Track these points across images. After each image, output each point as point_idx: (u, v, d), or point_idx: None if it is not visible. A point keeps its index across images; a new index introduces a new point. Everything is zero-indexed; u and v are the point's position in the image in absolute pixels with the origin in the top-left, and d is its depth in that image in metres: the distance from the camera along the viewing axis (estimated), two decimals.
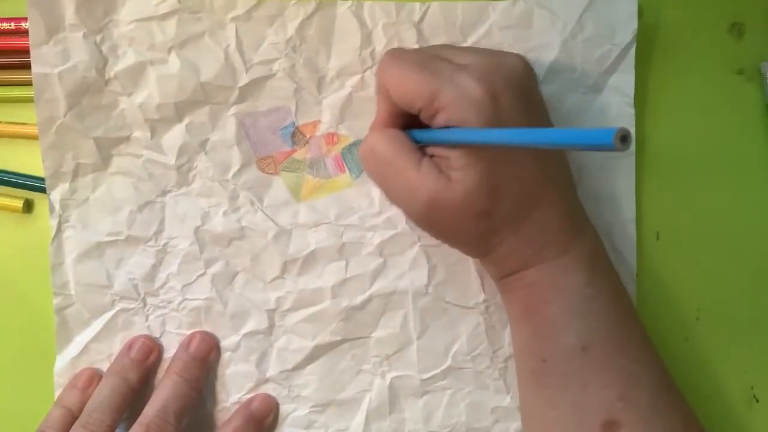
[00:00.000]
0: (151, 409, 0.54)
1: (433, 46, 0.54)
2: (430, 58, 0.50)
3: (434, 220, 0.50)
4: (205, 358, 0.57)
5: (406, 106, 0.50)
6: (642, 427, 0.49)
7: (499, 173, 0.48)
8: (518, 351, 0.53)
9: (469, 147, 0.47)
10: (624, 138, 0.35)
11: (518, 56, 0.51)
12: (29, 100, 0.57)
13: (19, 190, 0.60)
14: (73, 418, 0.55)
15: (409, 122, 0.52)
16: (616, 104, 0.57)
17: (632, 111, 0.57)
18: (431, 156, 0.50)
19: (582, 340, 0.49)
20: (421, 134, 0.51)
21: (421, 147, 0.51)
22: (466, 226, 0.50)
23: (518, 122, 0.48)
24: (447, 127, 0.48)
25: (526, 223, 0.49)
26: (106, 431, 0.54)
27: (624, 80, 0.57)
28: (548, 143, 0.41)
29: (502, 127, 0.47)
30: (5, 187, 0.60)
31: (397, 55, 0.51)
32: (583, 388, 0.49)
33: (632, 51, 0.57)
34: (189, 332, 0.58)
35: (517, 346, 0.53)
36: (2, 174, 0.60)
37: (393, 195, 0.52)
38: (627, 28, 0.56)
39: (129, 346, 0.57)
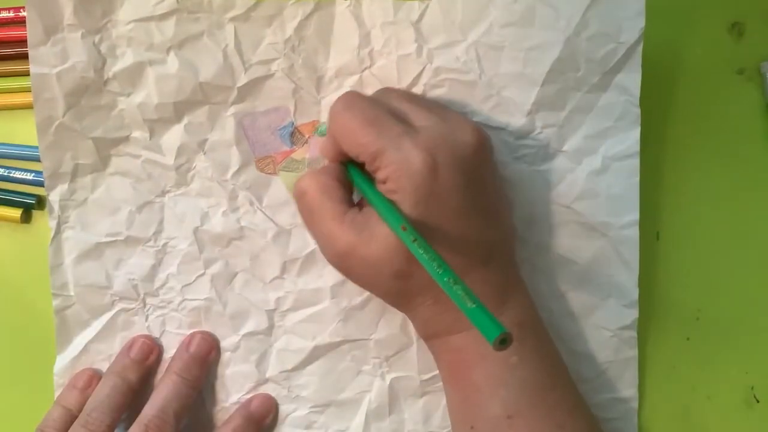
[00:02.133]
0: (150, 409, 0.54)
1: (393, 93, 0.53)
2: (381, 113, 0.49)
3: (349, 269, 0.51)
4: (205, 358, 0.57)
5: (352, 155, 0.50)
6: None
7: (425, 236, 0.47)
8: (450, 412, 0.54)
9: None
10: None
11: (474, 130, 0.50)
12: (27, 89, 0.57)
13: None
14: (72, 417, 0.55)
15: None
16: (621, 103, 0.56)
17: (637, 110, 0.56)
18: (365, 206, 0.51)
19: (507, 408, 0.50)
20: (360, 182, 0.51)
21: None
22: (382, 283, 0.50)
23: (454, 200, 0.48)
24: (385, 183, 0.48)
25: None
26: (105, 431, 0.54)
27: (630, 79, 0.56)
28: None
29: (433, 201, 0.47)
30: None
31: (350, 102, 0.50)
32: None
33: (639, 50, 0.55)
34: (189, 332, 0.58)
35: (449, 407, 0.54)
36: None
37: (314, 237, 0.53)
38: (634, 27, 0.55)
39: (129, 346, 0.57)
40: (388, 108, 0.50)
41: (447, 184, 0.47)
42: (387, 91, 0.54)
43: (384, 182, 0.48)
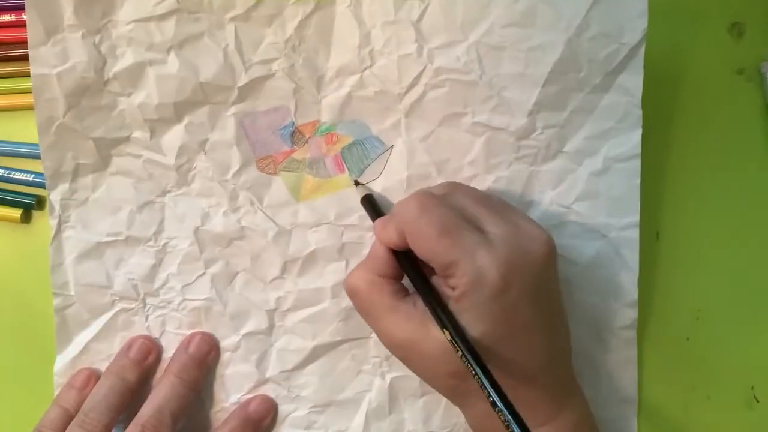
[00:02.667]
0: (147, 409, 0.54)
1: (461, 193, 0.52)
2: (457, 221, 0.48)
3: (407, 361, 0.51)
4: (204, 359, 0.57)
5: (422, 258, 0.49)
6: None
7: (485, 348, 0.47)
8: None
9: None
10: None
11: (545, 239, 0.49)
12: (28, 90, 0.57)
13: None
14: (70, 417, 0.55)
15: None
16: (623, 105, 0.56)
17: (639, 112, 0.56)
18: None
19: None
20: (415, 278, 0.50)
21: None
22: (437, 379, 0.50)
23: (522, 315, 0.48)
24: (454, 290, 0.47)
25: None
26: (102, 431, 0.54)
27: (632, 81, 0.56)
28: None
29: (506, 313, 0.47)
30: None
31: (426, 206, 0.49)
32: None
33: (641, 51, 0.55)
34: (189, 332, 0.58)
35: None
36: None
37: (374, 330, 0.53)
38: (636, 27, 0.55)
39: (128, 346, 0.57)
40: (461, 213, 0.49)
41: (517, 299, 0.47)
42: (455, 189, 0.53)
43: (453, 288, 0.48)
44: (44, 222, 0.59)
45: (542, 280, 0.49)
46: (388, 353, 0.57)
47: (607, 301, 0.57)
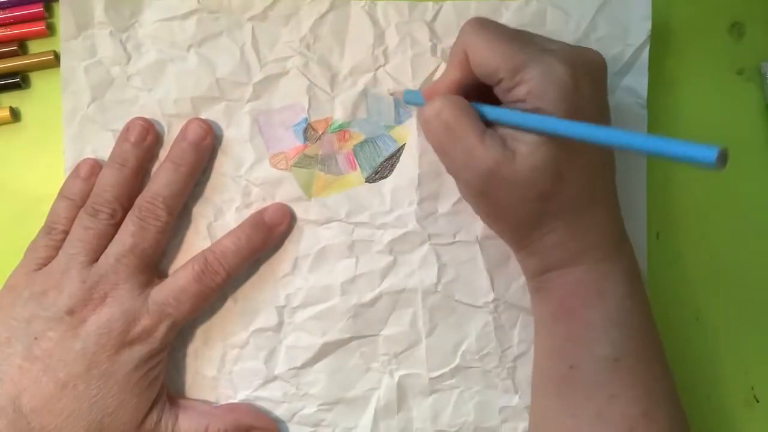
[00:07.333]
0: (141, 197, 0.54)
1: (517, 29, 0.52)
2: (517, 33, 0.49)
3: (491, 193, 0.49)
4: (200, 144, 0.56)
5: (487, 75, 0.49)
6: None
7: (568, 160, 0.47)
8: (543, 354, 0.53)
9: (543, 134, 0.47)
10: (724, 156, 0.37)
11: (598, 52, 0.50)
12: None
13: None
14: (77, 209, 0.54)
15: (474, 97, 0.50)
16: (628, 105, 0.57)
17: (645, 112, 0.57)
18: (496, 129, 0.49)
19: (616, 350, 0.49)
20: (490, 111, 0.49)
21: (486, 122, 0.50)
22: (522, 205, 0.49)
23: (592, 112, 0.48)
24: (525, 101, 0.47)
25: (581, 217, 0.49)
26: (110, 215, 0.54)
27: (637, 81, 0.57)
28: (643, 149, 0.42)
29: (577, 113, 0.47)
30: None
31: (485, 23, 0.50)
32: (609, 400, 0.49)
33: (646, 52, 0.57)
34: (198, 331, 0.58)
35: (543, 349, 0.53)
36: None
37: (451, 163, 0.50)
38: (640, 29, 0.57)
39: (126, 131, 0.56)
40: (518, 31, 0.50)
41: (587, 97, 0.47)
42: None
43: (524, 100, 0.47)
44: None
45: (601, 84, 0.50)
46: (397, 351, 0.58)
47: None
